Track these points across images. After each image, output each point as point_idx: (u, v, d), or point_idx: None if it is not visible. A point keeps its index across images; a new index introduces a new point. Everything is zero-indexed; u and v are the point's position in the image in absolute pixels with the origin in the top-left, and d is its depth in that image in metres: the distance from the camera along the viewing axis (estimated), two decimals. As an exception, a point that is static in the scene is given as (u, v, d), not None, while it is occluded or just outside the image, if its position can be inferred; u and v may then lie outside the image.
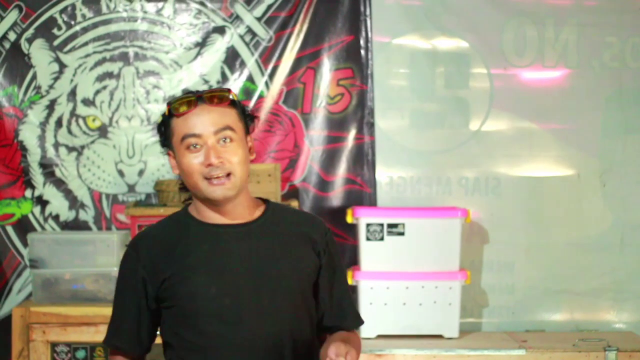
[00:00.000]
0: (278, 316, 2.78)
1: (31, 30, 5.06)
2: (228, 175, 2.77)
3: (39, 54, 5.06)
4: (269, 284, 2.78)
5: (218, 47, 5.09)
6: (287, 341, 2.78)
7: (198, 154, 2.77)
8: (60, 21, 5.06)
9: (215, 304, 2.75)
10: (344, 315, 2.94)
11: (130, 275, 2.84)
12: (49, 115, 5.06)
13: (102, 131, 5.07)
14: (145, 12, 5.08)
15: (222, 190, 2.77)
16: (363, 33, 5.09)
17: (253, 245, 2.82)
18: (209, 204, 2.82)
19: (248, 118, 2.87)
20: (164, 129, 2.85)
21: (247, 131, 2.86)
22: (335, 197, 5.12)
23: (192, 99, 2.79)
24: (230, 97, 2.82)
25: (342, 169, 5.12)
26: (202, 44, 5.08)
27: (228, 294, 2.76)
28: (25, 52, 5.06)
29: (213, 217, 2.84)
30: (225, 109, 2.81)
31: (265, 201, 2.93)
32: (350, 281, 4.66)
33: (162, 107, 5.02)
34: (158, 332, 2.90)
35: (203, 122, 2.77)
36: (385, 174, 5.10)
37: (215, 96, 2.80)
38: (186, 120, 2.78)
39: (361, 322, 3.00)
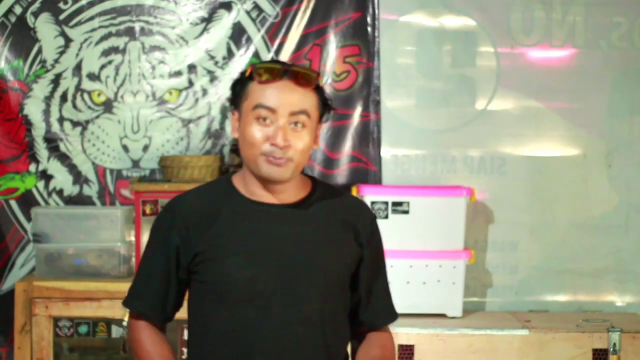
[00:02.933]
0: (311, 305, 2.71)
1: (37, 4, 5.03)
2: (287, 160, 2.67)
3: (45, 27, 5.04)
4: (305, 272, 2.71)
5: (224, 23, 5.06)
6: (319, 331, 2.72)
7: (266, 128, 2.66)
8: (66, -5, 5.05)
9: (249, 288, 2.67)
10: (378, 314, 2.88)
11: (163, 240, 2.75)
12: (54, 89, 5.04)
13: (107, 106, 5.06)
14: (151, -14, 5.06)
15: (279, 171, 2.67)
16: (370, 10, 5.06)
17: (294, 229, 2.73)
18: (259, 180, 2.72)
19: (326, 108, 2.77)
20: (239, 89, 2.73)
21: (320, 120, 2.76)
22: (341, 174, 5.11)
23: (279, 68, 2.67)
24: (317, 81, 2.71)
25: (347, 146, 5.10)
26: (208, 20, 5.06)
27: (262, 279, 2.68)
28: (31, 26, 5.03)
29: (259, 194, 2.74)
30: (308, 92, 2.69)
31: (313, 180, 2.86)
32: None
33: (167, 82, 5.04)
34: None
35: (282, 98, 2.65)
36: (390, 152, 5.09)
37: (302, 75, 2.67)
38: (265, 89, 2.66)
39: (394, 318, 2.93)
